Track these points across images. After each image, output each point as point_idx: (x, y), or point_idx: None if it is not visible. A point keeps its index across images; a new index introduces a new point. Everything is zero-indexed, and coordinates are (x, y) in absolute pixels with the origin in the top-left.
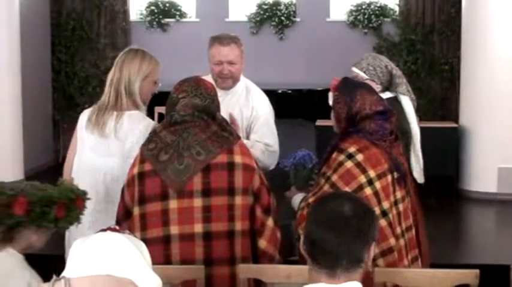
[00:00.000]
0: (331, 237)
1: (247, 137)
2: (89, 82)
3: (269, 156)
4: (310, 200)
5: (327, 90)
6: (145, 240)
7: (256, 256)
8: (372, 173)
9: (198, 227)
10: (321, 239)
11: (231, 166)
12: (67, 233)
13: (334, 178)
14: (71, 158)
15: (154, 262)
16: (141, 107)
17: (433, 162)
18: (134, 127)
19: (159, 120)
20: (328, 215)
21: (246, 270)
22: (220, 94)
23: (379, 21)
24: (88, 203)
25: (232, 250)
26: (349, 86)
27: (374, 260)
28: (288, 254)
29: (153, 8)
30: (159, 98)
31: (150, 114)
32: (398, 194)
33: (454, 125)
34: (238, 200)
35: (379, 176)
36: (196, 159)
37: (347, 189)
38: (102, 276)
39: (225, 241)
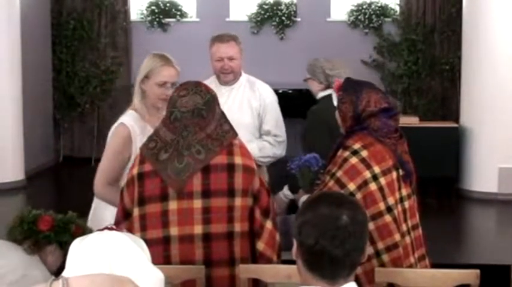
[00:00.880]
0: (334, 249)
1: (259, 128)
2: (89, 82)
3: (278, 147)
4: None
5: None
6: (145, 241)
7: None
8: (376, 169)
9: (198, 229)
10: (322, 251)
11: (231, 167)
12: None
13: (339, 173)
14: (115, 170)
15: (154, 263)
16: (137, 109)
17: (434, 162)
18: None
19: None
20: (325, 224)
21: (246, 270)
22: (226, 90)
23: (380, 21)
24: None
25: (231, 251)
26: (354, 85)
27: (379, 255)
28: (285, 248)
29: (153, 7)
30: None
31: None
32: (404, 192)
33: (455, 125)
34: (238, 201)
35: (384, 172)
36: (196, 158)
37: (352, 184)
38: (100, 275)
39: (224, 242)
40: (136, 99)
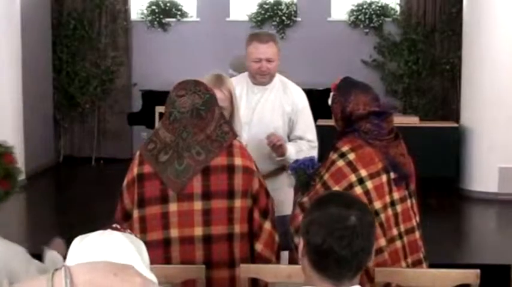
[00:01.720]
0: (341, 249)
1: (289, 133)
2: (89, 82)
3: (313, 152)
4: (304, 199)
5: (327, 90)
6: (145, 243)
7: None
8: (363, 173)
9: (198, 231)
10: (329, 250)
11: (231, 169)
12: None
13: (326, 176)
14: None
15: (154, 265)
16: None
17: (434, 162)
18: None
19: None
20: (334, 223)
21: (246, 270)
22: (258, 90)
23: (380, 21)
24: None
25: (231, 252)
26: (346, 86)
27: None
28: (283, 247)
29: (154, 7)
30: (159, 98)
31: (151, 114)
32: (396, 195)
33: (455, 124)
34: (238, 203)
35: (372, 176)
36: (196, 159)
37: (337, 188)
38: (102, 262)
39: (224, 244)
40: None
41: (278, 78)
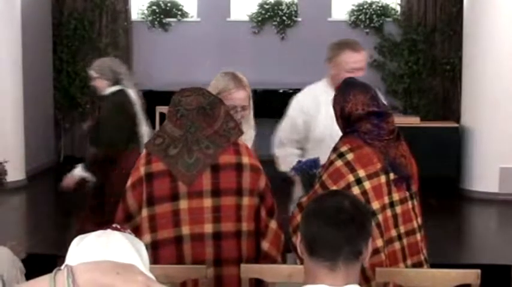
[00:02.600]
0: (333, 230)
1: None
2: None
3: None
4: (303, 199)
5: None
6: (156, 242)
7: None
8: (361, 173)
9: (208, 227)
10: (321, 232)
11: (239, 166)
12: None
13: (324, 176)
14: None
15: (167, 263)
16: None
17: (435, 162)
18: None
19: (161, 120)
20: (328, 210)
21: (247, 270)
22: None
23: (381, 21)
24: None
25: (240, 250)
26: (345, 86)
27: None
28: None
29: (154, 7)
30: (159, 98)
31: (151, 113)
32: (396, 196)
33: (456, 125)
34: (246, 200)
35: (370, 176)
36: (206, 153)
37: (335, 188)
38: (105, 261)
39: (233, 241)
40: None
41: None
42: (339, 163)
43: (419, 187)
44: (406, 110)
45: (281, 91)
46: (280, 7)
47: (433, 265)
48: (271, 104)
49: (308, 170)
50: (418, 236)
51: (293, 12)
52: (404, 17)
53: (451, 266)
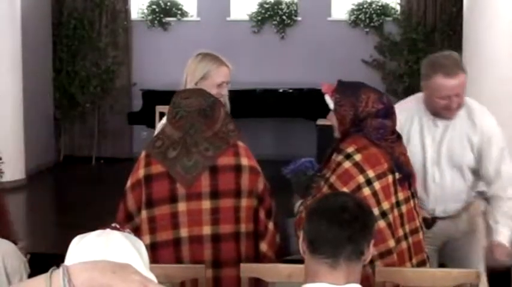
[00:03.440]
0: (336, 228)
1: (479, 167)
2: (90, 81)
3: None
4: (309, 202)
5: None
6: (155, 243)
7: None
8: (370, 173)
9: (207, 230)
10: (324, 230)
11: (238, 168)
12: None
13: (333, 178)
14: None
15: (163, 264)
16: None
17: None
18: None
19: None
20: (331, 209)
21: (246, 270)
22: (441, 122)
23: (381, 21)
24: None
25: (238, 251)
26: (351, 87)
27: (372, 261)
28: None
29: (154, 7)
30: (159, 98)
31: (151, 113)
32: (401, 195)
33: None
34: (244, 202)
35: (379, 177)
36: (205, 155)
37: (345, 189)
38: (101, 261)
39: (232, 242)
40: None
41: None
42: (347, 164)
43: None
44: None
45: (281, 91)
46: (280, 6)
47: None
48: (271, 104)
49: (305, 171)
50: (421, 234)
51: (293, 12)
52: (404, 16)
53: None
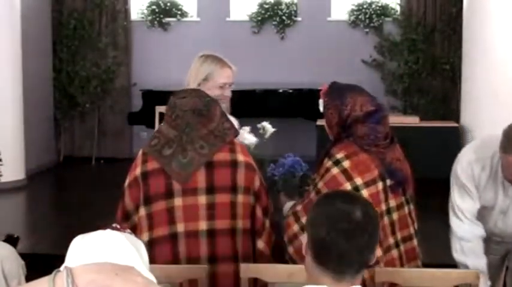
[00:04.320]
0: (344, 243)
1: None
2: (89, 81)
3: None
4: (298, 208)
5: None
6: (153, 239)
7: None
8: (358, 181)
9: (203, 225)
10: (330, 239)
11: (234, 164)
12: None
13: (320, 185)
14: None
15: (163, 260)
16: None
17: (434, 162)
18: None
19: (160, 120)
20: (339, 216)
21: (246, 269)
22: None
23: (380, 21)
24: None
25: (235, 247)
26: (338, 90)
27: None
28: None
29: (154, 7)
30: (159, 98)
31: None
32: (392, 202)
33: (455, 124)
34: (240, 198)
35: (367, 184)
36: (200, 153)
37: None
38: (104, 263)
39: (228, 238)
40: None
41: None
42: (335, 170)
43: (415, 190)
44: (405, 109)
45: (281, 91)
46: (279, 7)
47: (432, 265)
48: (271, 104)
49: (294, 172)
50: (415, 242)
51: (293, 12)
52: (404, 16)
53: (450, 266)
